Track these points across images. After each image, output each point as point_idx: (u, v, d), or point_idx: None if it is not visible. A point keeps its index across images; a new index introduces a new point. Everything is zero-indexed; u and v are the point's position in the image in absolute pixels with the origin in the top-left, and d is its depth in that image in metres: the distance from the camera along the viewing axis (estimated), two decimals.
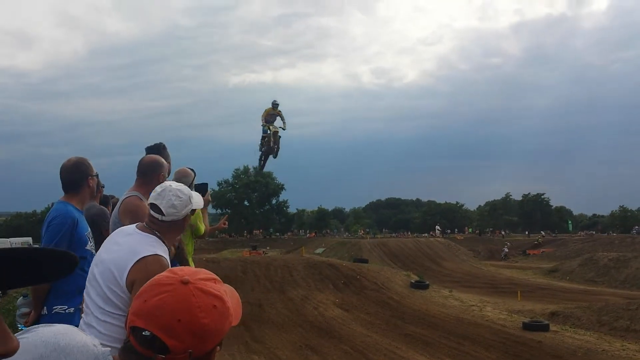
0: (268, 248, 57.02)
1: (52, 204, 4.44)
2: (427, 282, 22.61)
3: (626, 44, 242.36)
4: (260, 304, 17.91)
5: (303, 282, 20.45)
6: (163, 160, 4.39)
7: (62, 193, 4.29)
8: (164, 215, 3.00)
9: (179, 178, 4.97)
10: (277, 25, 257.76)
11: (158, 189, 3.08)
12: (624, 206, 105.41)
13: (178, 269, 1.36)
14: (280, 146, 21.40)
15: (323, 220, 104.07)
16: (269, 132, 20.95)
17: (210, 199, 5.58)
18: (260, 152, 22.13)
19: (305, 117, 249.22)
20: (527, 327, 15.66)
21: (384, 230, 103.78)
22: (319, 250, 45.54)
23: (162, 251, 2.93)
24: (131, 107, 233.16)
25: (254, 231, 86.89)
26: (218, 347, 1.32)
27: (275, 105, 21.18)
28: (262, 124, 21.25)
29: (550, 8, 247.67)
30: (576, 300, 25.43)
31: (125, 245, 2.91)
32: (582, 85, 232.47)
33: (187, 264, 4.74)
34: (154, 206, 3.03)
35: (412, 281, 22.41)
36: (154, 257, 2.83)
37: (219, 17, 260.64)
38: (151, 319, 1.24)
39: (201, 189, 5.40)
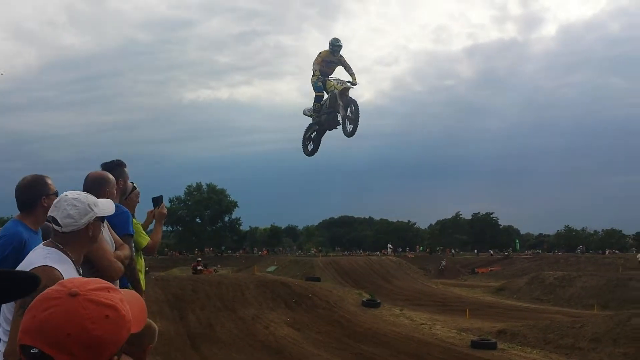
0: (219, 266, 56.38)
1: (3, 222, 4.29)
2: (379, 301, 22.71)
3: (573, 69, 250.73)
4: (210, 323, 17.68)
5: (254, 301, 20.28)
6: (109, 176, 4.33)
7: (14, 208, 4.18)
8: (61, 226, 2.94)
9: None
10: (236, 42, 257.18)
11: (55, 200, 3.03)
12: (569, 226, 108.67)
13: (68, 280, 1.32)
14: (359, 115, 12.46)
15: (276, 238, 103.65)
16: (334, 91, 12.57)
17: (165, 212, 5.49)
18: (313, 126, 13.39)
19: (260, 135, 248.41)
20: (475, 345, 15.87)
21: (336, 248, 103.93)
22: (271, 269, 45.28)
23: (57, 262, 2.85)
24: (85, 122, 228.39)
25: (205, 249, 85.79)
26: (116, 357, 1.29)
27: (335, 47, 12.83)
28: (314, 79, 12.87)
29: (502, 33, 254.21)
30: (523, 319, 25.94)
31: (25, 261, 2.88)
32: (531, 108, 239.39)
33: (139, 284, 4.67)
34: (52, 219, 2.97)
35: (364, 300, 22.48)
36: (42, 268, 2.74)
37: (177, 33, 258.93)
38: (39, 335, 1.20)
39: (156, 201, 5.35)
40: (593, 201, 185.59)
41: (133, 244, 4.78)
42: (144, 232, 5.30)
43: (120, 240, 4.47)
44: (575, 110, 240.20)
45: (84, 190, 4.21)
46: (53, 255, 2.90)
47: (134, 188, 5.20)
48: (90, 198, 3.07)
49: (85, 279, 1.36)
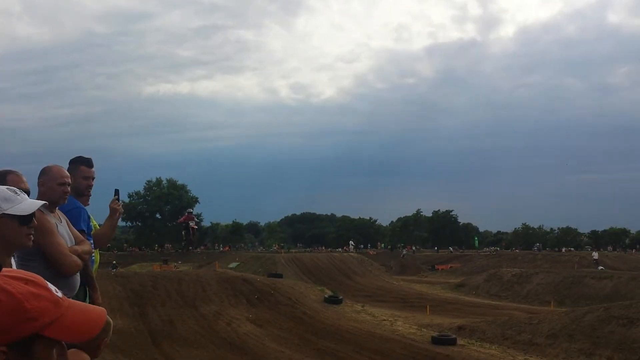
0: (180, 262, 55.84)
1: None
2: (341, 297, 22.81)
3: (530, 70, 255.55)
4: (171, 319, 17.48)
5: (216, 298, 20.13)
6: (50, 169, 4.24)
7: None
8: None
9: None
10: (196, 36, 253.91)
11: None
12: (527, 224, 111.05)
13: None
14: None
15: (237, 234, 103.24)
16: None
17: (118, 207, 5.29)
18: None
19: (221, 130, 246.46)
20: (435, 341, 16.07)
21: (298, 244, 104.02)
22: (233, 265, 45.07)
23: None
24: (40, 115, 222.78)
25: (166, 245, 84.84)
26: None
27: None
28: None
29: (462, 33, 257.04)
30: (482, 315, 26.40)
31: None
32: (489, 108, 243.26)
33: (92, 280, 4.59)
34: None
35: (326, 296, 22.54)
36: None
37: (136, 25, 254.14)
38: None
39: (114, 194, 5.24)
40: (549, 200, 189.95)
41: (92, 241, 4.71)
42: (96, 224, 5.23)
43: (81, 237, 4.39)
44: (532, 110, 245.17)
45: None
46: None
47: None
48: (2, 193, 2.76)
49: (20, 270, 1.34)
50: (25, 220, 2.74)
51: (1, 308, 1.20)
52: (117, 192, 5.27)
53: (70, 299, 1.36)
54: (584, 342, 17.77)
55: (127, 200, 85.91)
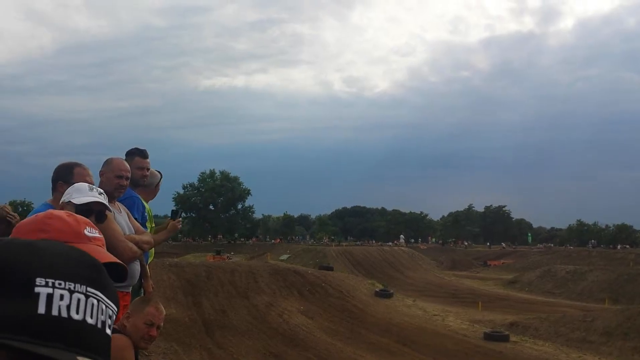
0: (232, 253, 56.71)
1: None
2: (391, 291, 22.80)
3: (589, 63, 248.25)
4: (224, 309, 17.83)
5: (268, 289, 20.41)
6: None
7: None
8: None
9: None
10: (251, 30, 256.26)
11: (73, 188, 3.14)
12: (581, 220, 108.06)
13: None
14: None
15: (288, 227, 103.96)
16: None
17: (179, 226, 5.52)
18: None
19: (274, 123, 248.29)
20: (488, 337, 15.93)
21: (348, 238, 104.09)
22: (284, 257, 45.55)
23: None
24: (97, 107, 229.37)
25: (218, 236, 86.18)
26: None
27: None
28: None
29: (520, 25, 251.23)
30: (534, 311, 25.94)
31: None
32: (546, 101, 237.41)
33: (144, 269, 4.74)
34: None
35: (377, 290, 22.57)
36: None
37: (192, 19, 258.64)
38: None
39: (174, 214, 5.42)
40: (605, 196, 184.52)
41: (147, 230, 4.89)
42: (152, 225, 5.39)
43: (142, 228, 4.56)
44: (590, 104, 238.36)
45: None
46: None
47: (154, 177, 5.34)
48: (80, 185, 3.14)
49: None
50: (81, 212, 2.95)
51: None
52: (179, 212, 5.46)
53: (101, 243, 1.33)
54: (639, 340, 17.32)
55: (181, 191, 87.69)
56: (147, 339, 3.15)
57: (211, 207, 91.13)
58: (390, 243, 77.50)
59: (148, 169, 5.15)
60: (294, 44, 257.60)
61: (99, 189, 3.20)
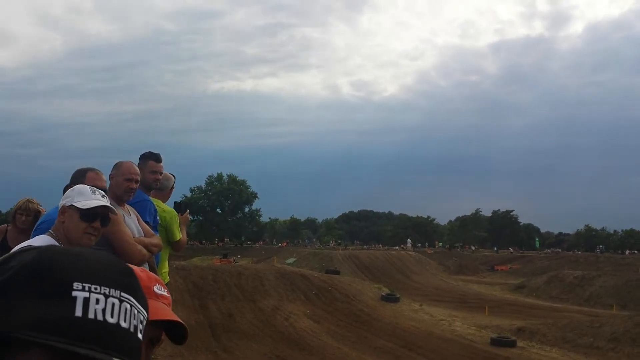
0: (239, 256, 56.78)
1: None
2: (398, 295, 22.76)
3: (599, 68, 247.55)
4: (230, 313, 17.85)
5: (274, 292, 20.42)
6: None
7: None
8: None
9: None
10: (261, 34, 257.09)
11: (70, 191, 3.07)
12: (589, 225, 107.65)
13: None
14: None
15: (295, 230, 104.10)
16: None
17: (189, 218, 5.66)
18: None
19: (283, 127, 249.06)
20: (495, 342, 15.86)
21: (355, 242, 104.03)
22: (291, 260, 45.51)
23: None
24: (108, 110, 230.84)
25: (225, 239, 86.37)
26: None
27: None
28: None
29: (530, 29, 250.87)
30: (542, 317, 25.83)
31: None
32: (555, 106, 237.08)
33: (155, 273, 4.76)
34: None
35: (383, 294, 22.53)
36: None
37: (203, 23, 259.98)
38: None
39: (178, 207, 5.49)
40: (613, 201, 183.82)
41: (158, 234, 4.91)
42: (179, 227, 5.47)
43: (151, 231, 4.58)
44: (600, 110, 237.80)
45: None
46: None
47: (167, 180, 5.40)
48: (81, 188, 3.09)
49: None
50: (86, 216, 2.97)
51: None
52: (184, 205, 5.55)
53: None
54: None
55: (189, 194, 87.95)
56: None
57: (218, 210, 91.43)
58: (397, 247, 77.38)
59: (161, 173, 5.20)
60: (304, 48, 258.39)
61: (101, 191, 3.20)
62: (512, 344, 15.78)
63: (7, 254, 0.82)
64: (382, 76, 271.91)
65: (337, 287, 21.93)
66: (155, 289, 1.24)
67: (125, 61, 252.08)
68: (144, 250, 4.17)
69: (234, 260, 48.09)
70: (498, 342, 15.85)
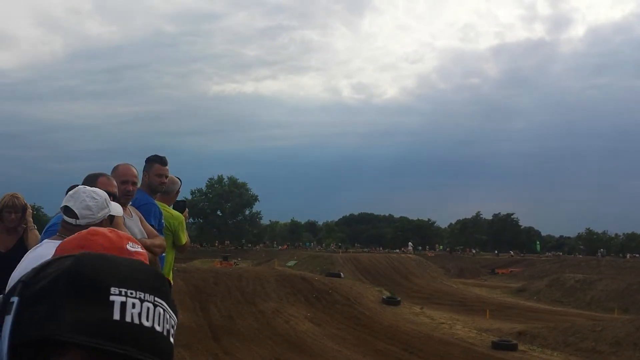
0: (239, 259, 56.76)
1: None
2: (399, 298, 22.71)
3: (601, 71, 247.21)
4: (230, 315, 17.83)
5: (275, 295, 20.39)
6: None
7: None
8: (77, 218, 2.86)
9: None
10: (261, 36, 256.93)
11: (71, 191, 2.95)
12: (590, 229, 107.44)
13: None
14: None
15: (296, 233, 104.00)
16: None
17: (188, 215, 5.67)
18: None
19: (282, 129, 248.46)
20: (496, 346, 15.82)
21: (356, 244, 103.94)
22: (291, 263, 45.53)
23: None
24: (109, 113, 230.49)
25: (226, 242, 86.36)
26: None
27: None
28: None
29: (530, 32, 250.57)
30: (543, 320, 25.80)
31: (34, 255, 2.65)
32: (556, 110, 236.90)
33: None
34: (67, 210, 2.89)
35: (384, 297, 22.49)
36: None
37: (203, 25, 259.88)
38: None
39: (177, 205, 5.49)
40: (614, 204, 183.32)
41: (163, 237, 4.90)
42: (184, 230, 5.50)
43: (154, 232, 4.57)
44: (601, 113, 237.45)
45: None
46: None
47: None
48: (105, 194, 3.02)
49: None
50: (110, 220, 3.04)
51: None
52: (184, 205, 5.58)
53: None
54: None
55: (189, 197, 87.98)
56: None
57: (219, 212, 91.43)
58: (398, 250, 77.33)
59: (167, 176, 5.19)
60: (304, 50, 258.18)
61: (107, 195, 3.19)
62: (513, 348, 15.73)
63: (44, 261, 0.85)
64: (382, 79, 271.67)
65: (338, 290, 21.89)
66: (128, 246, 1.23)
67: (126, 63, 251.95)
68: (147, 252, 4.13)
69: (235, 262, 48.11)
70: (499, 346, 15.81)
